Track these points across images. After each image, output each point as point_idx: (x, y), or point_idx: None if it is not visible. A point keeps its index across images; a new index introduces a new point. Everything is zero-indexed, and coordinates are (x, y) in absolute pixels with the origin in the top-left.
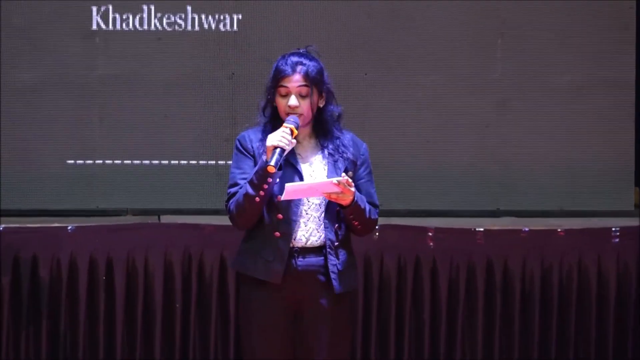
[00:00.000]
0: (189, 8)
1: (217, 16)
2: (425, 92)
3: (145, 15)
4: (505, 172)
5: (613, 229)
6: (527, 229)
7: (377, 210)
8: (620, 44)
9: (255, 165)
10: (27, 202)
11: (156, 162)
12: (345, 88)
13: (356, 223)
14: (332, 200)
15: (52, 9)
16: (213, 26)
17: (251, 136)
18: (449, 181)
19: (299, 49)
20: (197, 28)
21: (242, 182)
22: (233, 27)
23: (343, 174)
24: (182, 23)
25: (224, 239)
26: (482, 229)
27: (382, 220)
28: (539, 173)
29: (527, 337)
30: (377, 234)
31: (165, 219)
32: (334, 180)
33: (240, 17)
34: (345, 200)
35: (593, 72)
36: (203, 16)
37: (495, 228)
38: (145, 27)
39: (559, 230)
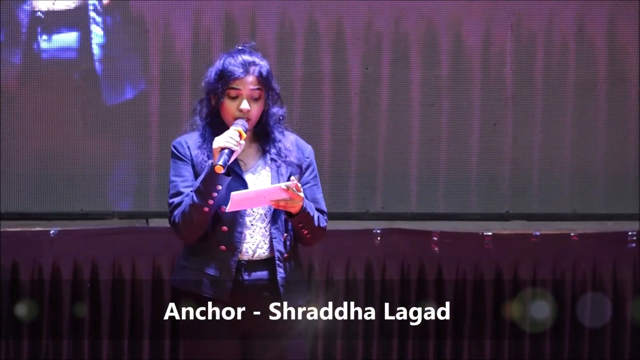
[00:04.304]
0: None
1: None
2: (429, 88)
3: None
4: (515, 172)
5: (629, 232)
6: (538, 233)
7: (326, 217)
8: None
9: (195, 172)
10: (6, 205)
11: (143, 161)
12: (344, 83)
13: (305, 232)
14: (281, 208)
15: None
16: None
17: (188, 142)
18: (454, 182)
19: (241, 46)
20: None
21: (185, 190)
22: None
23: (292, 178)
24: None
25: None
26: (490, 233)
27: (384, 224)
28: (550, 173)
29: (538, 349)
30: (378, 238)
31: (154, 222)
32: (282, 185)
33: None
34: (294, 207)
35: (609, 66)
36: None
37: (505, 232)
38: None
39: (572, 234)
